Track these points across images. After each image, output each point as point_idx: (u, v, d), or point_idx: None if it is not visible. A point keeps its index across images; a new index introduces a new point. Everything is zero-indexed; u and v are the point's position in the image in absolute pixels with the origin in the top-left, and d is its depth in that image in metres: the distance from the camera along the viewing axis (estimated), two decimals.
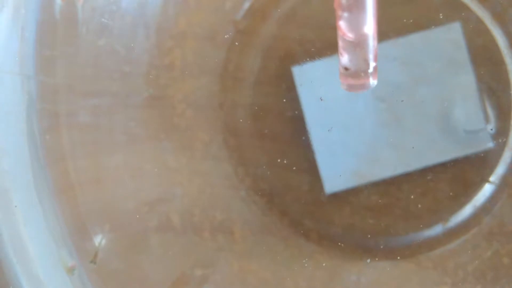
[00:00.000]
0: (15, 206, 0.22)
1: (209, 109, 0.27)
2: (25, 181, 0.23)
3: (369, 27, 0.16)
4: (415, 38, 0.26)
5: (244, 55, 0.27)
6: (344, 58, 0.17)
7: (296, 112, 0.26)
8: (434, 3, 0.26)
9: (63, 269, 0.23)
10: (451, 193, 0.26)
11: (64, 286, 0.23)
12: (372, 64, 0.18)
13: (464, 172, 0.26)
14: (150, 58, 0.26)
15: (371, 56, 0.17)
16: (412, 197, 0.26)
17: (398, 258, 0.26)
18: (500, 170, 0.26)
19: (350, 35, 0.16)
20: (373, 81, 0.19)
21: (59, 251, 0.23)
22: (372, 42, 0.17)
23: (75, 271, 0.23)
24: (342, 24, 0.16)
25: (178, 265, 0.25)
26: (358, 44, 0.17)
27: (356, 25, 0.16)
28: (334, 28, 0.16)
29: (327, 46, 0.26)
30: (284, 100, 0.27)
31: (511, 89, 0.26)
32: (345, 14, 0.15)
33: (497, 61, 0.26)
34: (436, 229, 0.26)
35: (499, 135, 0.26)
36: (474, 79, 0.26)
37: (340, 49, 0.17)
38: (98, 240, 0.24)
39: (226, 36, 0.27)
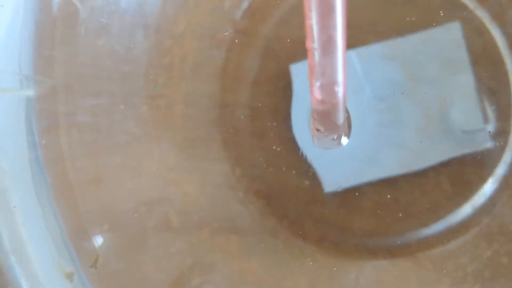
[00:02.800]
0: (14, 207, 0.22)
1: (208, 109, 0.27)
2: (24, 181, 0.23)
3: (340, 94, 0.17)
4: (415, 38, 0.26)
5: (243, 55, 0.27)
6: (317, 121, 0.18)
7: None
8: (434, 3, 0.26)
9: (61, 274, 0.23)
10: (450, 193, 0.26)
11: (63, 286, 0.23)
12: (341, 128, 0.19)
13: (464, 172, 0.26)
14: (149, 58, 0.26)
15: (341, 121, 0.18)
16: (411, 197, 0.26)
17: (398, 257, 0.26)
18: (500, 170, 0.26)
19: (322, 101, 0.17)
20: (343, 142, 0.21)
21: (58, 253, 0.23)
22: (342, 111, 0.18)
23: (73, 276, 0.23)
24: (315, 92, 0.16)
25: (177, 265, 0.25)
26: (330, 112, 0.18)
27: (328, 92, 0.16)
28: None
29: None
30: (283, 100, 0.27)
31: (511, 89, 0.26)
32: (318, 83, 0.16)
33: (496, 61, 0.26)
34: (436, 229, 0.26)
35: (499, 135, 0.26)
36: (473, 79, 0.26)
37: (313, 113, 0.18)
38: (98, 241, 0.24)
39: (225, 35, 0.27)
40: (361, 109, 0.26)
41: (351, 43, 0.26)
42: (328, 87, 0.16)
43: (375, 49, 0.26)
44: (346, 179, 0.26)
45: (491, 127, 0.26)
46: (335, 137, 0.21)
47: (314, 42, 0.14)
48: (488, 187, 0.26)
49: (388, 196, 0.26)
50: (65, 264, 0.23)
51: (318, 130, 0.19)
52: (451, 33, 0.26)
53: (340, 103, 0.17)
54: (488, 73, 0.26)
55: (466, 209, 0.26)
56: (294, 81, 0.26)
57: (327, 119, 0.18)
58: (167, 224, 0.25)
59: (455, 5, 0.26)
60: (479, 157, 0.26)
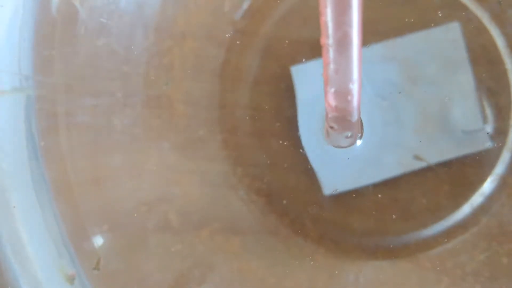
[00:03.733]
0: (14, 207, 0.22)
1: (208, 109, 0.27)
2: (24, 181, 0.23)
3: (355, 92, 0.16)
4: (414, 38, 0.26)
5: (243, 55, 0.27)
6: (331, 119, 0.18)
7: (295, 111, 0.26)
8: (433, 3, 0.26)
9: (61, 274, 0.23)
10: (450, 193, 0.26)
11: (63, 286, 0.23)
12: (355, 125, 0.18)
13: (463, 172, 0.26)
14: (149, 58, 0.26)
15: (355, 119, 0.18)
16: (411, 197, 0.26)
17: (397, 257, 0.26)
18: (499, 170, 0.26)
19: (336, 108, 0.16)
20: (357, 140, 0.20)
21: (58, 254, 0.23)
22: (356, 109, 0.17)
23: (74, 280, 0.23)
24: (329, 99, 0.16)
25: (177, 265, 0.25)
26: (344, 116, 0.17)
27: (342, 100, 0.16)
28: None
29: None
30: (283, 100, 0.27)
31: (510, 89, 0.26)
32: (333, 90, 0.16)
33: (496, 61, 0.26)
34: (435, 229, 0.26)
35: (498, 135, 0.26)
36: (473, 79, 0.26)
37: (328, 112, 0.18)
38: (98, 241, 0.24)
39: (227, 36, 0.27)
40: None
41: None
42: (342, 92, 0.16)
43: (375, 50, 0.26)
44: (346, 182, 0.26)
45: (490, 127, 0.26)
46: (349, 135, 0.21)
47: (329, 39, 0.14)
48: (487, 186, 0.26)
49: (388, 196, 0.26)
50: (65, 265, 0.23)
51: (331, 127, 0.19)
52: (450, 33, 0.26)
53: (355, 102, 0.17)
54: (488, 73, 0.26)
55: (465, 209, 0.26)
56: (296, 84, 0.26)
57: (342, 117, 0.18)
58: (167, 224, 0.25)
59: (455, 5, 0.26)
60: (477, 157, 0.26)
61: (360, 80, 0.16)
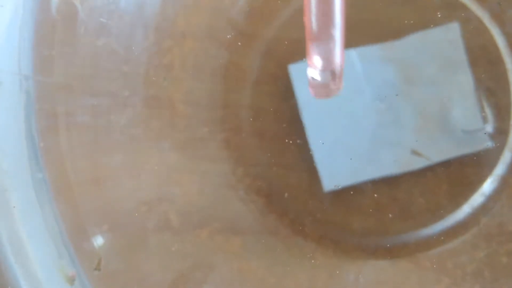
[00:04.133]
0: (14, 207, 0.22)
1: (208, 109, 0.27)
2: (24, 181, 0.23)
3: (337, 57, 0.16)
4: (414, 38, 0.26)
5: (243, 55, 0.27)
6: (312, 70, 0.18)
7: (295, 111, 0.26)
8: (433, 3, 0.26)
9: (61, 274, 0.23)
10: (449, 193, 0.26)
11: (63, 286, 0.23)
12: (337, 76, 0.18)
13: (463, 172, 0.26)
14: (149, 58, 0.26)
15: (336, 69, 0.18)
16: (410, 196, 0.26)
17: (397, 257, 0.26)
18: (499, 170, 0.26)
19: (319, 65, 0.16)
20: (338, 90, 0.20)
21: (58, 254, 0.23)
22: (339, 61, 0.17)
23: (75, 281, 0.23)
24: (312, 53, 0.15)
25: (177, 265, 0.25)
26: (327, 63, 0.17)
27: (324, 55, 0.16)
28: None
29: None
30: (284, 100, 0.27)
31: (510, 88, 0.26)
32: (314, 35, 0.15)
33: (495, 61, 0.26)
34: (435, 229, 0.26)
35: (498, 135, 0.26)
36: (472, 79, 0.26)
37: (309, 62, 0.17)
38: (97, 241, 0.24)
39: (228, 37, 0.27)
40: (362, 109, 0.26)
41: (350, 44, 0.26)
42: (324, 38, 0.15)
43: (375, 50, 0.26)
44: (345, 178, 0.26)
45: (490, 127, 0.26)
46: (331, 77, 0.20)
47: None
48: (487, 187, 0.26)
49: (387, 195, 0.26)
50: (65, 265, 0.23)
51: (313, 79, 0.18)
52: (449, 33, 0.26)
53: (337, 49, 0.16)
54: (487, 73, 0.26)
55: (465, 209, 0.26)
56: (294, 82, 0.26)
57: (325, 60, 0.17)
58: (167, 224, 0.25)
59: (454, 5, 0.26)
60: (475, 157, 0.26)
61: (343, 26, 0.15)
